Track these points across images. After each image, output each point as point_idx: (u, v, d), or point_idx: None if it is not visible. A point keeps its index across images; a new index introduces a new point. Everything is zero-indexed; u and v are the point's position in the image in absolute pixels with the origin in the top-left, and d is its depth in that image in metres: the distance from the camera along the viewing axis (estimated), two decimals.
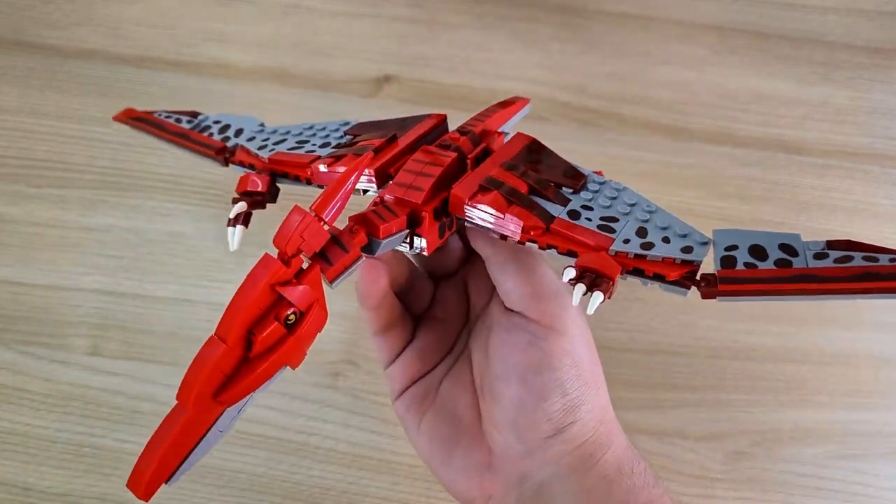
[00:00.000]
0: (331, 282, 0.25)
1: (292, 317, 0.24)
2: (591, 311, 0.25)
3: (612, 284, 0.25)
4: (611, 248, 0.27)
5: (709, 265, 0.27)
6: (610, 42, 0.65)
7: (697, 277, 0.26)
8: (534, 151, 0.32)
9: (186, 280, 0.53)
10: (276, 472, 0.48)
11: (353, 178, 0.25)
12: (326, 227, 0.24)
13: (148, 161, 0.57)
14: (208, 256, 0.54)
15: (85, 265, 0.53)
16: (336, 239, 0.26)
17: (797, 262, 0.26)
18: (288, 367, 0.25)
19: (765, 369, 0.52)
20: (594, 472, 0.30)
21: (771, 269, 0.26)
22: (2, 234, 0.54)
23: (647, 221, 0.28)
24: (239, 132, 0.38)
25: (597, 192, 0.30)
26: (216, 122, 0.40)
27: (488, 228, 0.29)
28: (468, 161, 0.31)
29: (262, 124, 0.39)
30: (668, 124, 0.61)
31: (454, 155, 0.30)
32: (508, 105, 0.38)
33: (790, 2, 0.69)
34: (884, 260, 0.25)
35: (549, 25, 0.66)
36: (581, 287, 0.25)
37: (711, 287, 0.26)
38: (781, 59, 0.66)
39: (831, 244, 0.27)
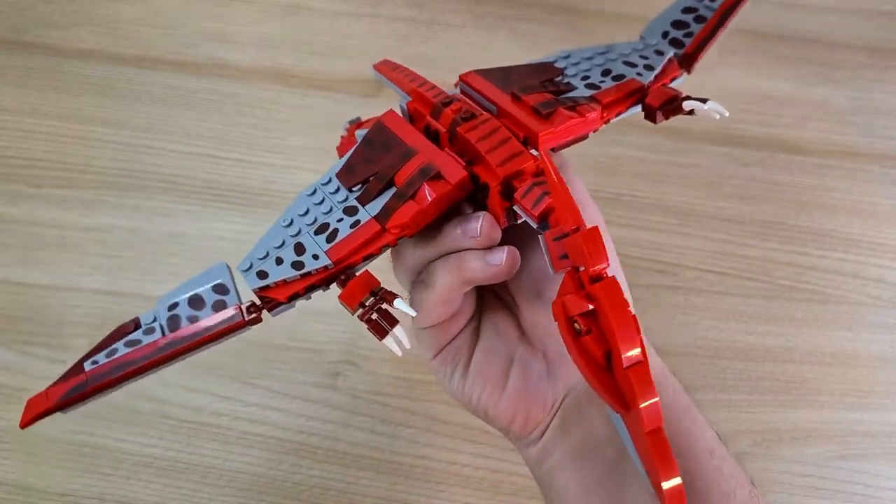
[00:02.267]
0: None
1: (579, 327, 0.23)
2: (726, 112, 0.30)
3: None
4: (645, 83, 0.32)
5: None
6: (610, 42, 0.65)
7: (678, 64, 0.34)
8: (498, 77, 0.34)
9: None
10: (276, 472, 0.48)
11: (561, 184, 0.25)
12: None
13: (148, 161, 0.57)
14: (208, 256, 0.54)
15: (85, 265, 0.53)
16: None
17: (705, 11, 0.37)
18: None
19: (765, 369, 0.52)
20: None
21: (704, 27, 0.36)
22: (2, 234, 0.54)
23: (619, 57, 0.34)
24: (222, 288, 0.32)
25: (567, 67, 0.34)
26: (173, 307, 0.31)
27: (579, 137, 0.30)
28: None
29: (226, 266, 0.33)
30: (668, 124, 0.61)
31: (489, 115, 0.31)
32: (400, 68, 0.40)
33: (790, 2, 0.69)
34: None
35: (550, 25, 0.66)
36: (707, 106, 0.30)
37: (693, 61, 0.34)
38: (781, 59, 0.66)
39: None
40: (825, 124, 0.63)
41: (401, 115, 0.33)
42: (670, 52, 0.34)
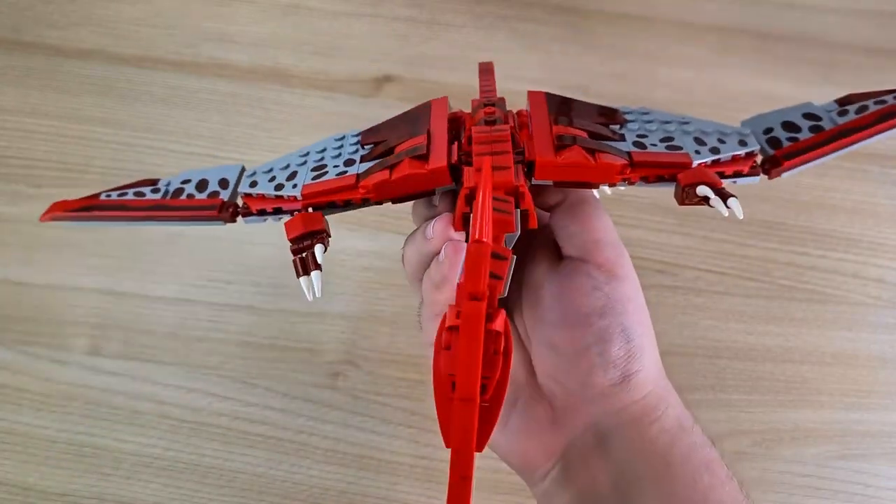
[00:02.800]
0: (504, 295, 0.25)
1: (502, 340, 0.23)
2: (741, 214, 0.28)
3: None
4: (694, 161, 0.29)
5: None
6: (610, 42, 0.65)
7: (759, 163, 0.30)
8: (558, 102, 0.33)
9: (186, 280, 0.53)
10: (276, 472, 0.48)
11: (487, 198, 0.23)
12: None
13: (148, 161, 0.57)
14: (208, 256, 0.54)
15: (85, 265, 0.53)
16: (495, 253, 0.25)
17: (826, 124, 0.31)
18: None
19: (765, 369, 0.52)
20: (657, 425, 0.30)
21: (812, 137, 0.30)
22: (2, 234, 0.54)
23: (696, 130, 0.31)
24: (224, 182, 0.34)
25: (638, 120, 0.32)
26: (186, 182, 0.34)
27: (579, 182, 0.30)
28: (512, 129, 0.31)
29: (242, 167, 0.34)
30: None
31: (508, 127, 0.30)
32: (489, 71, 0.38)
33: (790, 2, 0.69)
34: (890, 99, 0.31)
35: (550, 25, 0.66)
36: (718, 199, 0.28)
37: (776, 166, 0.30)
38: (781, 59, 0.66)
39: (840, 101, 0.32)
40: None
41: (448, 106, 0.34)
42: (755, 147, 0.30)
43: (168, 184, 0.34)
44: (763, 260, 0.56)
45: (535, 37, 0.65)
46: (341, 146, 0.33)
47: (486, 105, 0.32)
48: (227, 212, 0.33)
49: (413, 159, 0.29)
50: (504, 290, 0.25)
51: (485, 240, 0.21)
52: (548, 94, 0.33)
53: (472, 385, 0.20)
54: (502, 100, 0.33)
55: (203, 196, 0.33)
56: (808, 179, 0.59)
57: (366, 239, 0.55)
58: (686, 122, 0.32)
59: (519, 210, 0.27)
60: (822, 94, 0.64)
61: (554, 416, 0.31)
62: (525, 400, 0.32)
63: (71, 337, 0.51)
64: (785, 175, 0.30)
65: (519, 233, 0.27)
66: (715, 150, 0.30)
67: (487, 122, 0.30)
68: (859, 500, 0.48)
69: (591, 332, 0.30)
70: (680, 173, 0.29)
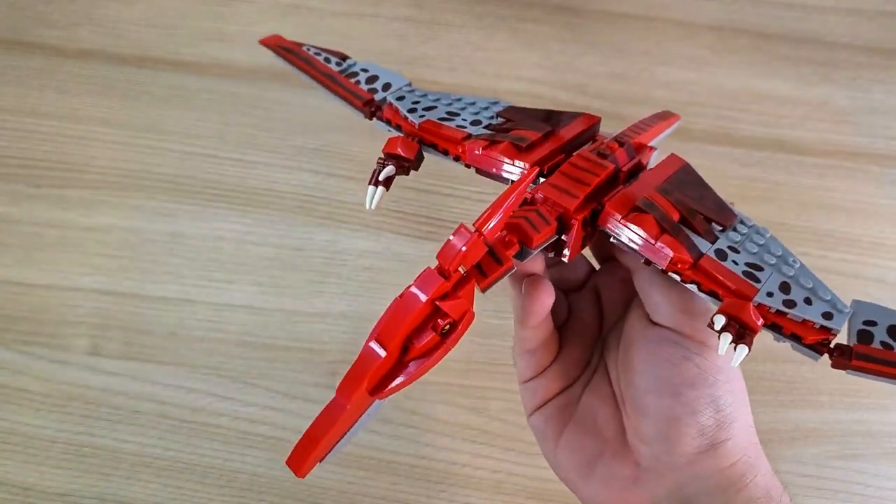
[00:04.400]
0: (483, 290, 0.27)
1: (447, 327, 0.26)
2: (735, 363, 0.25)
3: (754, 337, 0.26)
4: (755, 298, 0.26)
5: (841, 334, 0.27)
6: (610, 42, 0.65)
7: (832, 345, 0.26)
8: (686, 177, 0.31)
9: (186, 280, 0.53)
10: (276, 472, 0.48)
11: (513, 196, 0.25)
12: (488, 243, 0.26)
13: (148, 161, 0.57)
14: (208, 256, 0.54)
15: (85, 265, 0.53)
16: (491, 251, 0.26)
17: None
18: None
19: (765, 369, 0.52)
20: (744, 494, 0.30)
21: None
22: (2, 234, 0.54)
23: (791, 277, 0.27)
24: (387, 86, 0.37)
25: (745, 234, 0.29)
26: (364, 71, 0.38)
27: (633, 250, 0.28)
28: (621, 174, 0.30)
29: (409, 83, 0.37)
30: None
31: (611, 167, 0.29)
32: (663, 119, 0.36)
33: (790, 2, 0.69)
34: None
35: (550, 25, 0.66)
36: (728, 337, 0.26)
37: (845, 359, 0.26)
38: (781, 59, 0.66)
39: None
40: (825, 124, 0.63)
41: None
42: (835, 326, 0.26)
43: (353, 65, 0.39)
44: None
45: (534, 37, 0.65)
46: (485, 108, 0.35)
47: (616, 140, 0.31)
48: (369, 108, 0.36)
49: (511, 145, 0.31)
50: (485, 289, 0.27)
51: (482, 230, 0.24)
52: (685, 166, 0.32)
53: (387, 333, 0.24)
54: (641, 147, 0.32)
55: (365, 87, 0.37)
56: (808, 180, 0.59)
57: (367, 239, 0.55)
58: (789, 263, 0.28)
59: (557, 237, 0.28)
60: (822, 94, 0.64)
61: (638, 476, 0.31)
62: (611, 454, 0.32)
63: (71, 337, 0.51)
64: (848, 372, 0.26)
65: (536, 255, 0.28)
66: (789, 304, 0.26)
67: (599, 154, 0.30)
68: (859, 500, 0.48)
69: (681, 403, 0.29)
70: (727, 296, 0.27)
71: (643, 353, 0.31)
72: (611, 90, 0.63)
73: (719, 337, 0.26)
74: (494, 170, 0.31)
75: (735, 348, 0.25)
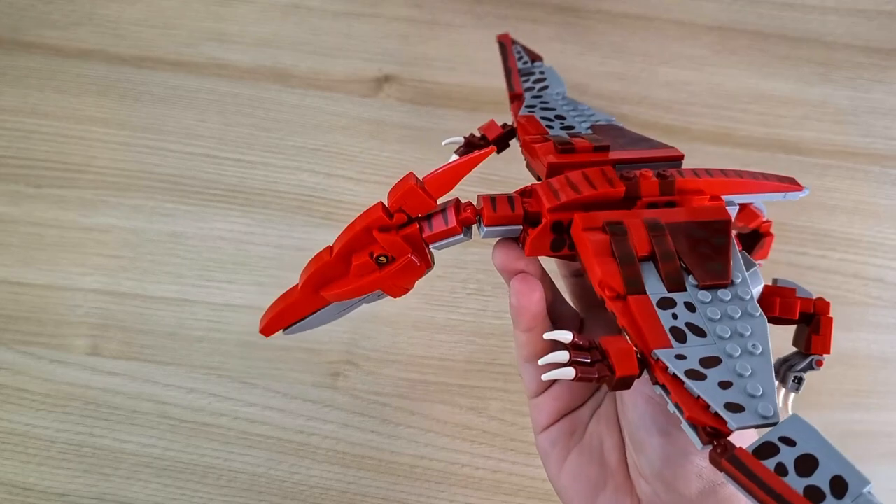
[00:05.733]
0: (428, 244, 0.28)
1: (383, 258, 0.28)
2: (551, 376, 0.24)
3: (595, 377, 0.24)
4: (655, 350, 0.24)
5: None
6: (610, 42, 0.65)
7: (717, 438, 0.23)
8: (707, 232, 0.27)
9: (186, 280, 0.53)
10: (276, 472, 0.48)
11: (461, 160, 0.28)
12: (433, 198, 0.28)
13: (148, 161, 0.57)
14: (208, 256, 0.54)
15: (85, 265, 0.53)
16: (444, 210, 0.28)
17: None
18: (388, 297, 0.29)
19: None
20: None
21: (793, 491, 0.21)
22: (2, 234, 0.54)
23: (730, 357, 0.24)
24: (542, 88, 0.38)
25: (722, 301, 0.25)
26: (540, 74, 0.40)
27: (578, 260, 0.28)
28: (638, 202, 0.28)
29: (564, 93, 0.38)
30: (668, 124, 0.61)
31: (620, 189, 0.28)
32: (772, 180, 0.31)
33: (790, 2, 0.69)
34: None
35: (550, 25, 0.66)
36: (561, 357, 0.24)
37: (722, 455, 0.22)
38: (781, 59, 0.66)
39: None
40: (825, 124, 0.63)
41: None
42: (737, 423, 0.22)
43: (537, 66, 0.41)
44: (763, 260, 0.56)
45: (534, 36, 0.65)
46: (587, 118, 0.35)
47: (659, 173, 0.29)
48: (514, 102, 0.38)
49: (553, 144, 0.31)
50: (429, 244, 0.28)
51: (423, 179, 0.27)
52: (722, 221, 0.28)
53: (336, 240, 0.28)
54: (694, 192, 0.29)
55: (525, 85, 0.39)
56: (808, 180, 0.59)
57: None
58: (750, 352, 0.24)
59: (521, 228, 0.28)
60: (822, 94, 0.64)
61: None
62: (615, 486, 0.31)
63: (71, 337, 0.51)
64: (721, 473, 0.22)
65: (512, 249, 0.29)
66: (694, 375, 0.23)
67: (622, 176, 0.28)
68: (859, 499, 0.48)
69: (671, 443, 0.28)
70: (634, 338, 0.25)
71: (636, 395, 0.30)
72: (611, 90, 0.63)
73: (562, 364, 0.24)
74: (530, 160, 0.32)
75: (561, 371, 0.24)
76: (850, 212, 0.58)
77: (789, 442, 0.22)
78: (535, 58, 0.41)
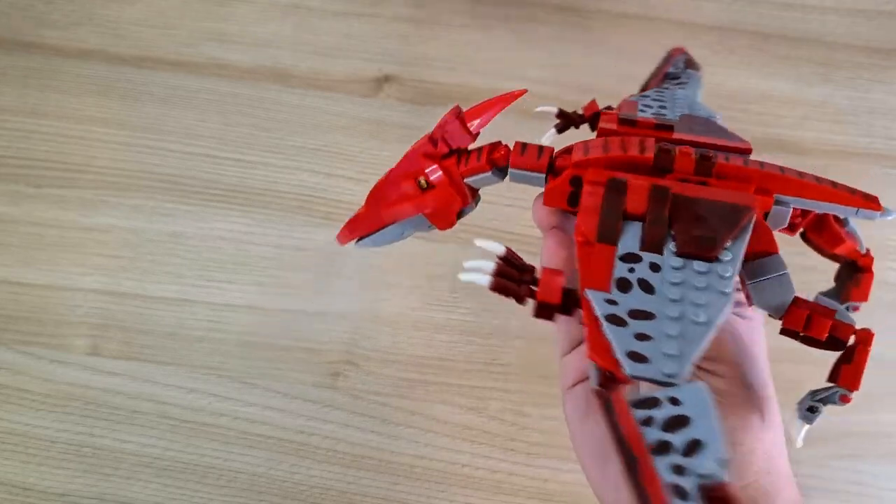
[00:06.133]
0: (463, 177, 0.30)
1: (424, 183, 0.30)
2: (465, 277, 0.25)
3: (510, 293, 0.24)
4: (587, 290, 0.23)
5: None
6: (611, 42, 0.65)
7: (613, 384, 0.22)
8: (726, 212, 0.25)
9: (186, 280, 0.53)
10: (276, 472, 0.48)
11: (498, 98, 0.30)
12: (474, 133, 0.30)
13: (148, 161, 0.57)
14: (208, 256, 0.54)
15: (85, 265, 0.53)
16: (481, 148, 0.30)
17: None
18: (434, 227, 0.31)
19: None
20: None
21: (637, 437, 0.20)
22: (2, 234, 0.54)
23: (666, 318, 0.23)
24: (679, 84, 0.38)
25: (694, 271, 0.24)
26: (685, 78, 0.39)
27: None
28: (668, 175, 0.27)
29: (686, 94, 0.35)
30: None
31: (650, 157, 0.27)
32: (843, 191, 0.29)
33: (790, 2, 0.69)
34: None
35: (550, 25, 0.66)
36: (486, 266, 0.24)
37: (599, 395, 0.21)
38: (781, 59, 0.66)
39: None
40: (825, 124, 0.63)
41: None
42: (631, 370, 0.21)
43: (682, 72, 0.40)
44: None
45: (535, 36, 0.65)
46: (671, 107, 0.34)
47: (701, 153, 0.27)
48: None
49: (617, 118, 0.30)
50: (463, 178, 0.30)
51: (463, 111, 0.30)
52: (749, 212, 0.26)
53: (394, 171, 0.31)
54: (711, 165, 0.27)
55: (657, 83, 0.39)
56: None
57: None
58: (695, 302, 0.23)
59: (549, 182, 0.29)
60: (822, 94, 0.64)
61: None
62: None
63: (71, 337, 0.51)
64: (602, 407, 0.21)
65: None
66: (614, 320, 0.22)
67: (661, 149, 0.27)
68: (859, 500, 0.48)
69: None
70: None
71: None
72: (612, 90, 0.63)
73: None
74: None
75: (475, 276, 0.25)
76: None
77: (676, 402, 0.21)
78: (692, 66, 0.40)
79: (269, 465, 0.48)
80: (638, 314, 0.23)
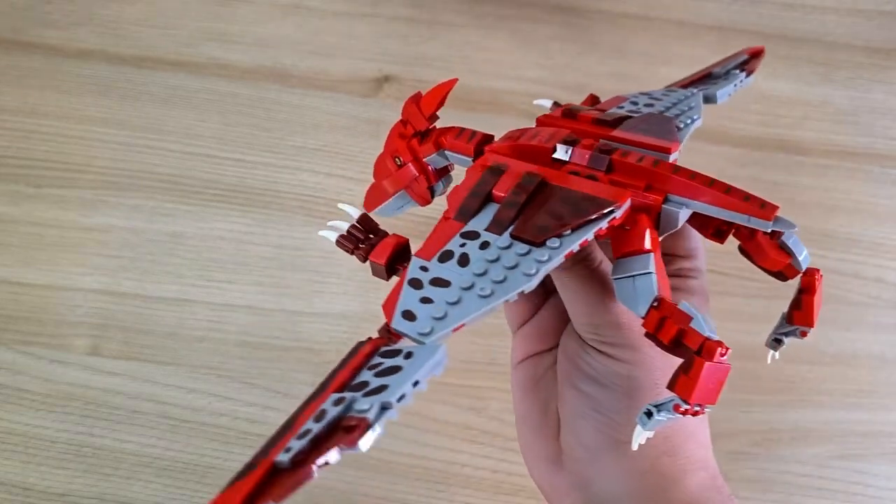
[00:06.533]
0: (423, 156, 0.31)
1: (398, 161, 0.31)
2: (322, 232, 0.28)
3: (349, 248, 0.28)
4: (414, 256, 0.25)
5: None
6: (610, 42, 0.65)
7: (390, 335, 0.24)
8: (586, 205, 0.26)
9: (186, 280, 0.53)
10: None
11: (442, 85, 0.31)
12: (424, 114, 0.31)
13: (148, 161, 0.57)
14: (208, 256, 0.54)
15: (85, 265, 0.53)
16: (430, 132, 0.31)
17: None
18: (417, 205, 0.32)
19: (764, 369, 0.52)
20: (663, 498, 0.29)
21: (340, 377, 0.22)
22: (2, 234, 0.54)
23: (457, 287, 0.24)
24: (709, 85, 0.38)
25: (514, 252, 0.25)
26: (723, 80, 0.38)
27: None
28: (564, 167, 0.28)
29: (693, 92, 0.36)
30: None
31: (549, 147, 0.28)
32: (737, 197, 0.28)
33: (790, 2, 0.69)
34: None
35: (550, 25, 0.66)
36: (341, 225, 0.28)
37: (360, 344, 0.23)
38: (781, 59, 0.66)
39: None
40: (825, 124, 0.63)
41: None
42: (399, 326, 0.24)
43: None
44: None
45: (534, 36, 0.65)
46: (665, 108, 0.34)
47: (645, 161, 0.28)
48: None
49: (566, 113, 0.33)
50: (432, 176, 0.32)
51: (414, 100, 0.31)
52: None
53: (385, 147, 0.32)
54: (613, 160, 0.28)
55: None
56: (808, 180, 0.59)
57: None
58: (488, 274, 0.25)
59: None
60: (822, 94, 0.64)
61: (561, 459, 0.32)
62: (547, 432, 0.32)
63: (71, 337, 0.51)
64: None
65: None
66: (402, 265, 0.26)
67: (598, 149, 0.28)
68: (859, 500, 0.48)
69: (580, 396, 0.30)
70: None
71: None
72: (611, 90, 0.63)
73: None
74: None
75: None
76: (850, 212, 0.58)
77: (408, 356, 0.22)
78: (744, 67, 0.38)
79: None
80: (437, 282, 0.24)
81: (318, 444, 0.19)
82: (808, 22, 0.68)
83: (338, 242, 0.28)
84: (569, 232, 0.25)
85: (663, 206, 0.27)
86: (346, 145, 0.59)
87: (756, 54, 0.39)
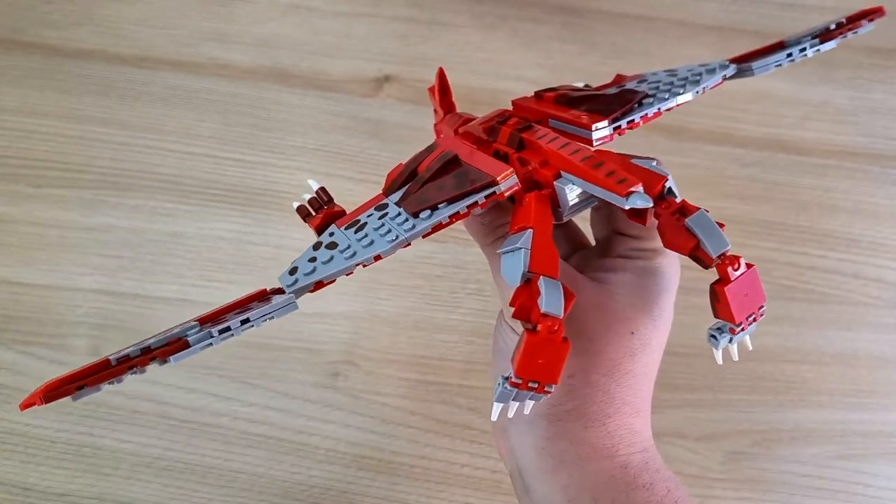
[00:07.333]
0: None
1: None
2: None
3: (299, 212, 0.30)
4: (334, 224, 0.29)
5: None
6: (610, 42, 0.65)
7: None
8: (473, 178, 0.28)
9: (186, 280, 0.53)
10: (276, 472, 0.48)
11: (440, 77, 0.38)
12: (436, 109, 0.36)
13: (148, 161, 0.57)
14: (208, 256, 0.54)
15: (85, 265, 0.53)
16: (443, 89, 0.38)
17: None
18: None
19: (765, 369, 0.52)
20: (577, 470, 0.29)
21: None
22: (2, 234, 0.54)
23: (338, 249, 0.28)
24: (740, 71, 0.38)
25: (394, 222, 0.28)
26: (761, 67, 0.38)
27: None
28: (492, 145, 0.30)
29: (703, 69, 0.37)
30: (668, 124, 0.61)
31: (483, 128, 0.31)
32: (599, 174, 0.27)
33: (790, 2, 0.69)
34: None
35: (550, 25, 0.66)
36: (307, 196, 0.31)
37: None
38: None
39: None
40: (825, 124, 0.63)
41: None
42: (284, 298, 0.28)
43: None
44: (763, 260, 0.56)
45: (534, 36, 0.65)
46: (654, 87, 0.36)
47: (554, 140, 0.30)
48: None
49: (538, 93, 0.36)
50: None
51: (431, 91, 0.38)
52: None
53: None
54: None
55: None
56: (808, 180, 0.59)
57: None
58: (355, 245, 0.29)
59: None
60: (822, 94, 0.64)
61: (504, 425, 0.33)
62: None
63: (71, 337, 0.51)
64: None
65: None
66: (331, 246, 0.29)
67: (518, 128, 0.31)
68: (859, 500, 0.48)
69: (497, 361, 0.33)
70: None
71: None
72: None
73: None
74: None
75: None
76: (850, 212, 0.58)
77: (266, 300, 0.28)
78: (834, 35, 0.37)
79: (269, 465, 0.48)
80: (331, 245, 0.28)
81: (145, 353, 0.24)
82: (808, 22, 0.68)
83: (298, 210, 0.30)
84: (444, 204, 0.27)
85: (555, 183, 0.27)
86: (346, 145, 0.59)
87: (867, 15, 0.37)
